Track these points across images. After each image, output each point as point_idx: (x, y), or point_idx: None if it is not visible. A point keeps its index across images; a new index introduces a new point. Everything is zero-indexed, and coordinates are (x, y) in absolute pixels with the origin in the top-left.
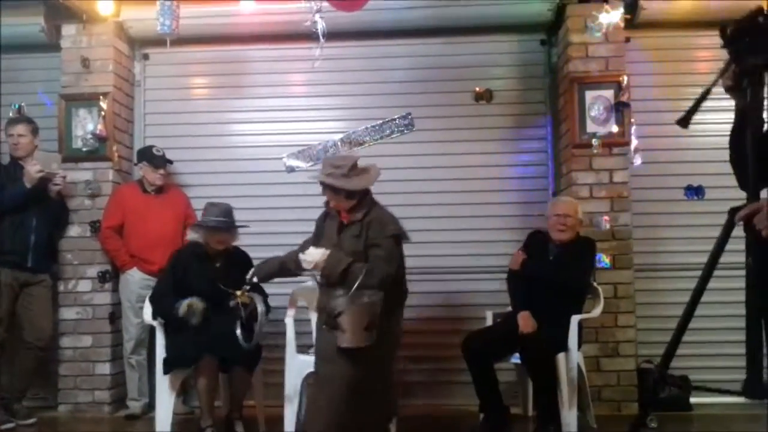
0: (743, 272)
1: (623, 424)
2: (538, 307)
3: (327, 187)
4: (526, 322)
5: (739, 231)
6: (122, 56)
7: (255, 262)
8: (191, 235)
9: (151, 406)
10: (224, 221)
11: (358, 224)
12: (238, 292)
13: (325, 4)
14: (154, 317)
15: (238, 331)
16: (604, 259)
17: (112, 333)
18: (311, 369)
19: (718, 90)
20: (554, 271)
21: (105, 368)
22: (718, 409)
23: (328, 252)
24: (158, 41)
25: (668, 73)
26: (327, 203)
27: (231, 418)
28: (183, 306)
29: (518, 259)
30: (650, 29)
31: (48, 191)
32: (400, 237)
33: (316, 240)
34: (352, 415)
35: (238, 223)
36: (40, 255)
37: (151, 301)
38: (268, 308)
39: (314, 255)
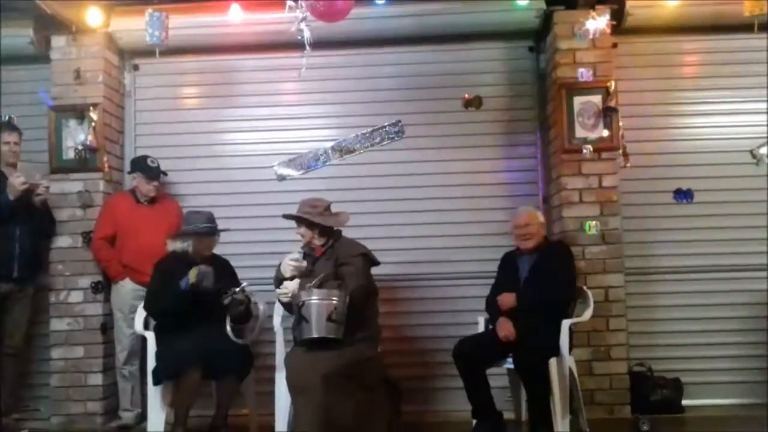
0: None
1: (616, 427)
2: (527, 313)
3: (303, 222)
4: (503, 326)
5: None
6: (112, 67)
7: (239, 270)
8: (175, 245)
9: (143, 417)
10: (214, 226)
11: (329, 251)
12: (236, 290)
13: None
14: (158, 317)
15: (228, 328)
16: (589, 229)
17: (104, 344)
18: None
19: (708, 95)
20: (543, 291)
21: (97, 379)
22: (711, 411)
23: (299, 281)
24: (148, 52)
25: (656, 78)
26: (304, 246)
27: (216, 426)
28: (191, 273)
29: (509, 300)
30: (637, 35)
31: (32, 202)
32: (368, 256)
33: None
34: (333, 415)
35: (222, 228)
36: (26, 266)
37: (149, 302)
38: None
39: (288, 286)
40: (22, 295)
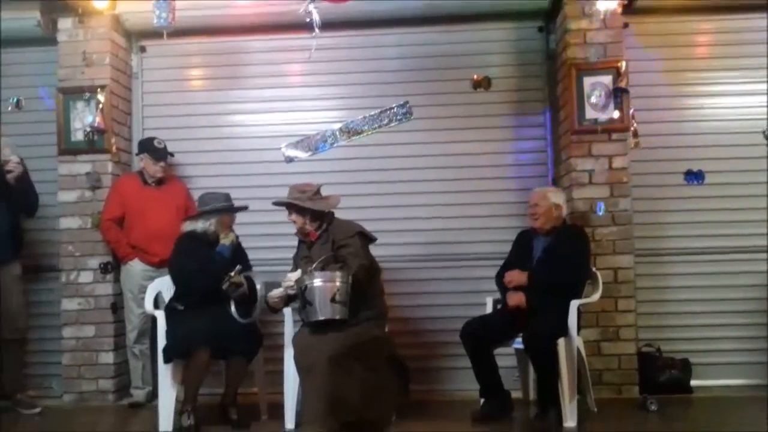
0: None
1: (624, 408)
2: (537, 293)
3: (293, 208)
4: (514, 297)
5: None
6: (119, 49)
7: (250, 251)
8: (195, 225)
9: (154, 394)
10: (232, 204)
11: (324, 235)
12: (232, 274)
13: None
14: (203, 293)
15: (233, 309)
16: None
17: (115, 323)
18: None
19: (719, 75)
20: (554, 272)
21: (108, 357)
22: (719, 391)
23: (299, 270)
24: (155, 33)
25: (667, 58)
26: (297, 233)
27: (225, 404)
28: (224, 240)
29: (518, 277)
30: (648, 14)
31: (6, 179)
32: (364, 234)
33: (294, 268)
34: (340, 395)
35: (241, 205)
36: (3, 243)
37: (193, 281)
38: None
39: (291, 276)
40: (8, 277)
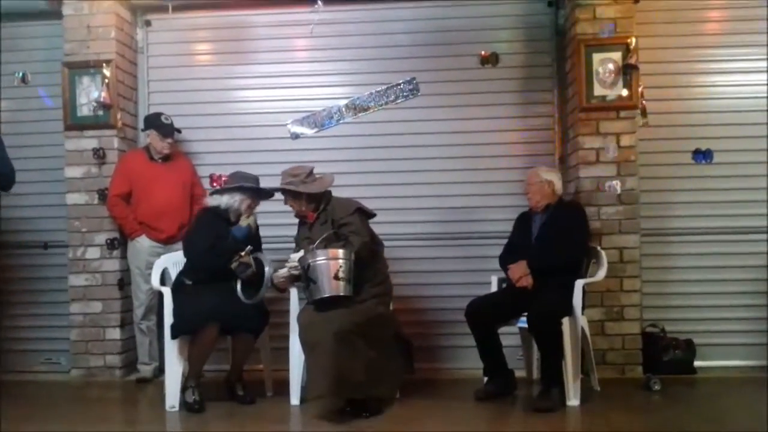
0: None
1: (627, 387)
2: (540, 273)
3: (288, 193)
4: (523, 279)
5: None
6: (124, 23)
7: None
8: (221, 200)
9: (161, 370)
10: (262, 187)
11: (323, 214)
12: (242, 253)
13: None
14: (213, 272)
15: (239, 288)
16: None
17: (122, 299)
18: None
19: (727, 52)
20: (550, 253)
21: (115, 333)
22: (722, 372)
23: (302, 250)
24: (160, 8)
25: (677, 35)
26: (297, 215)
27: (231, 380)
28: (243, 222)
29: (523, 270)
30: None
31: None
32: (363, 211)
33: (297, 249)
34: (344, 372)
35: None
36: None
37: (205, 260)
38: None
39: (293, 257)
40: None
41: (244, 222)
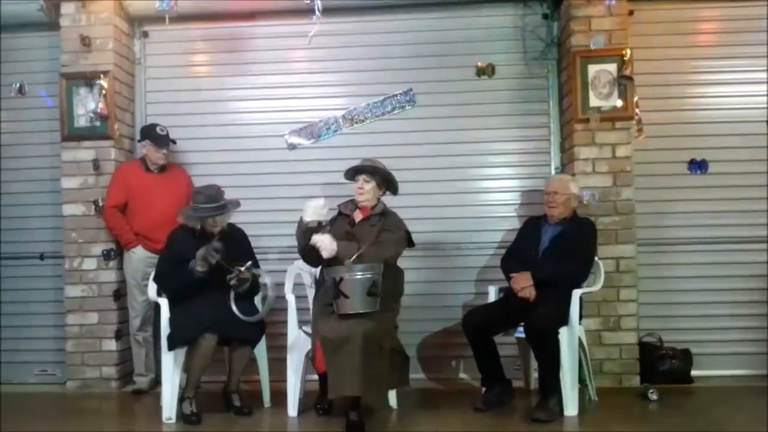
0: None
1: (625, 397)
2: (539, 283)
3: (378, 175)
4: (525, 290)
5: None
6: (122, 34)
7: (252, 239)
8: (186, 219)
9: (157, 381)
10: (211, 208)
11: (376, 217)
12: (242, 269)
13: None
14: (163, 294)
15: (233, 305)
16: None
17: (118, 310)
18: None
19: (721, 63)
20: (559, 269)
21: (111, 345)
22: (719, 381)
23: (334, 240)
24: (157, 19)
25: (672, 46)
26: (343, 204)
27: (228, 391)
28: (197, 260)
29: (527, 281)
30: (653, 2)
31: None
32: (410, 236)
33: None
34: (371, 369)
35: (228, 204)
36: None
37: (157, 281)
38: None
39: (324, 241)
40: None
41: (200, 266)
